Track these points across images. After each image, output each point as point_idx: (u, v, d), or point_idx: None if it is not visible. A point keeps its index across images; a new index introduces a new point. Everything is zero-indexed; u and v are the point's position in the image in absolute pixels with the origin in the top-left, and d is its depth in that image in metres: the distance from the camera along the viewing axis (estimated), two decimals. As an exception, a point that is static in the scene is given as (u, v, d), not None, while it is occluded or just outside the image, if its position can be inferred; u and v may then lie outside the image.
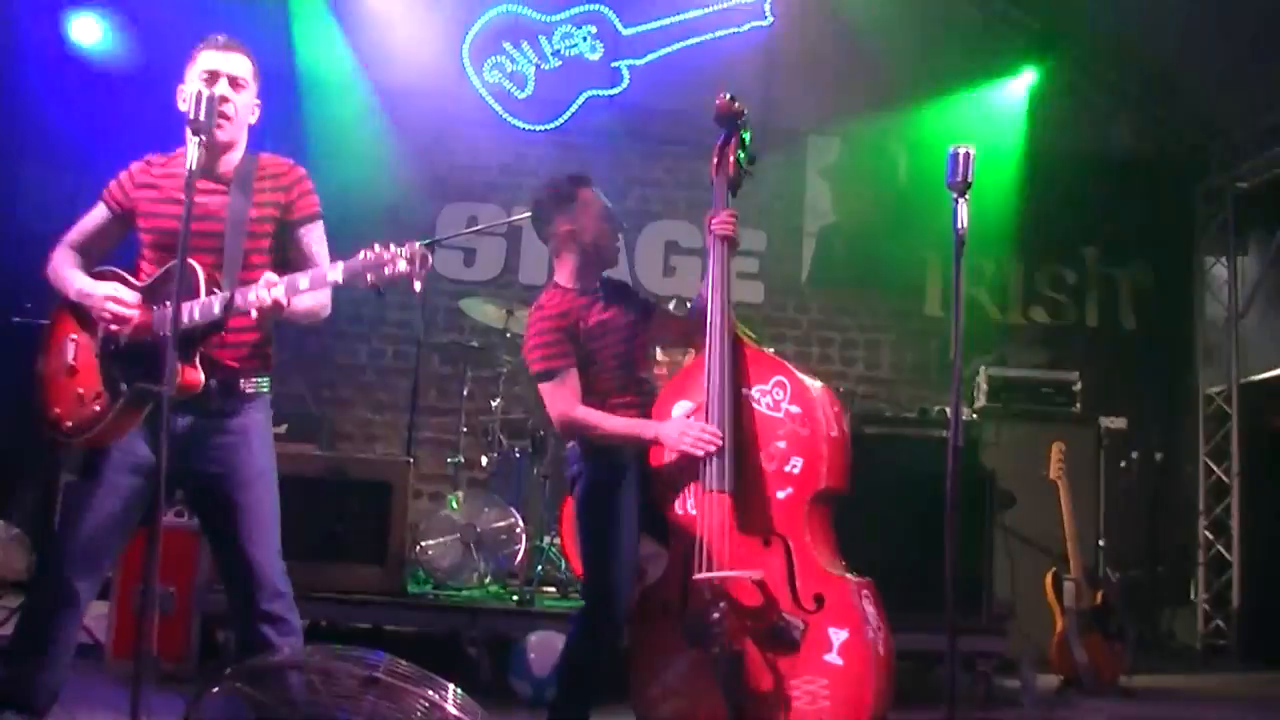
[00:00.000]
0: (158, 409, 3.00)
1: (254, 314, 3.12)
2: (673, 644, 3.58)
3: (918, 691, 5.20)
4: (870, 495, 5.50)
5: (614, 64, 8.44)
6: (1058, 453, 6.09)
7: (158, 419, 2.98)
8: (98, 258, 3.41)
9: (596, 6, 8.49)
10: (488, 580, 5.57)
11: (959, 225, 3.20)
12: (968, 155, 3.20)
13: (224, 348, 3.24)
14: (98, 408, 3.21)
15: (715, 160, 3.98)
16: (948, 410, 4.98)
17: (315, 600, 5.09)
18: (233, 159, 3.36)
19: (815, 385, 3.58)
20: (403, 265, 2.98)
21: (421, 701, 2.24)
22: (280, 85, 7.89)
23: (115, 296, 3.20)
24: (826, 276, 8.52)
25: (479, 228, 7.77)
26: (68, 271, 3.34)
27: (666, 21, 8.46)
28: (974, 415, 6.94)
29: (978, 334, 8.35)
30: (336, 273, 3.08)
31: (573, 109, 8.40)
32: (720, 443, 3.53)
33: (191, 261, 3.11)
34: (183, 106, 3.25)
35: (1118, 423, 7.31)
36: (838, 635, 3.19)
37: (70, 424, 3.25)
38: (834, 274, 8.53)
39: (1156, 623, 7.98)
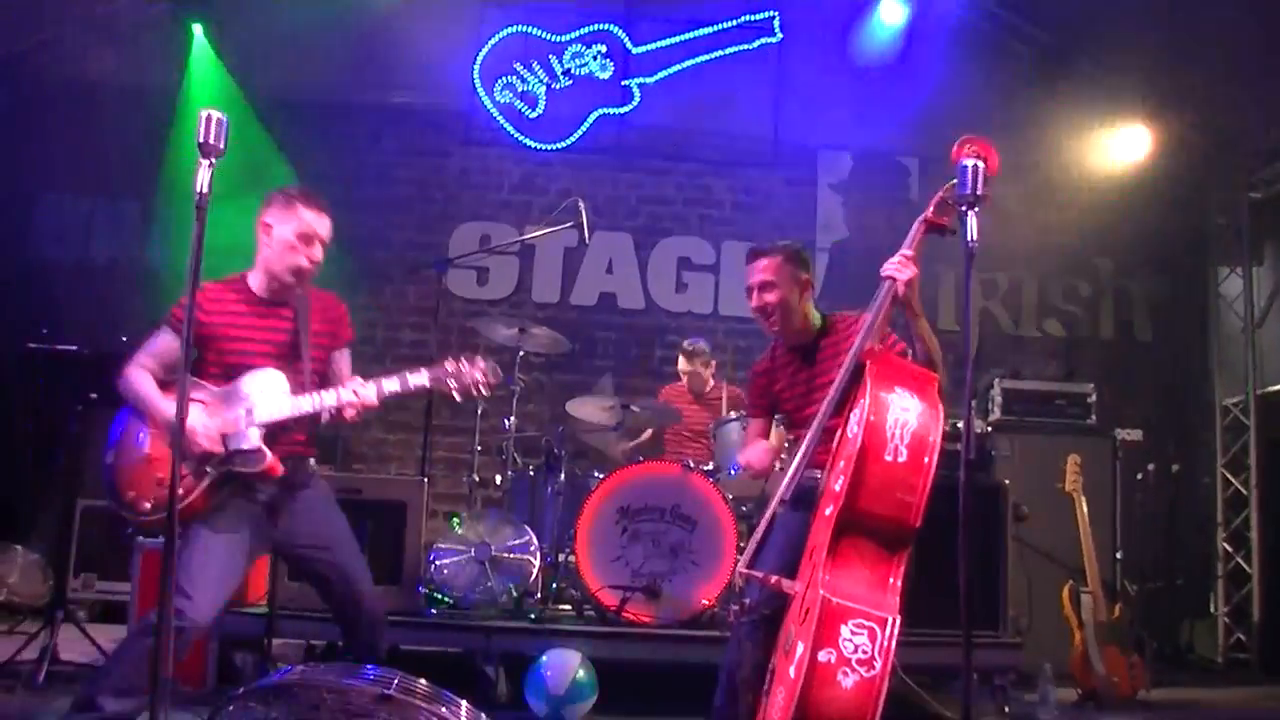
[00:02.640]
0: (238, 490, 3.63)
1: (350, 412, 3.63)
2: None
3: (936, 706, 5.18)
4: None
5: (624, 82, 8.48)
6: (1073, 465, 6.06)
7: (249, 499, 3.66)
8: (161, 375, 3.73)
9: (606, 25, 8.54)
10: (503, 599, 5.56)
11: (969, 238, 3.20)
12: (977, 168, 3.21)
13: (294, 441, 3.77)
14: (180, 490, 3.44)
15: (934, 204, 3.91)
16: (961, 424, 4.98)
17: (331, 620, 5.10)
18: (294, 291, 3.83)
19: (893, 413, 3.41)
20: (479, 375, 3.59)
21: (434, 718, 2.24)
22: (292, 110, 7.98)
23: (201, 432, 3.57)
24: (839, 291, 8.50)
25: (492, 247, 7.80)
26: (151, 394, 3.68)
27: (676, 39, 8.51)
28: (989, 428, 6.92)
29: (992, 347, 8.35)
30: (422, 378, 3.63)
31: (584, 127, 8.44)
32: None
33: (275, 370, 3.69)
34: (264, 237, 3.76)
35: (1134, 435, 7.28)
36: (800, 649, 3.16)
37: (150, 504, 3.62)
38: (847, 289, 8.51)
39: (1176, 635, 7.93)
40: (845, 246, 8.58)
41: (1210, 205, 8.77)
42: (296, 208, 3.76)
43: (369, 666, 2.32)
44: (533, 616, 5.47)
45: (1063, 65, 8.43)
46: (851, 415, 3.49)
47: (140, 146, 7.84)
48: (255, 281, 3.81)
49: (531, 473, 6.32)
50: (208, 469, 3.60)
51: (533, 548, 5.63)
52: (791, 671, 3.17)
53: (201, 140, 3.10)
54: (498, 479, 6.37)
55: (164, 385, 3.70)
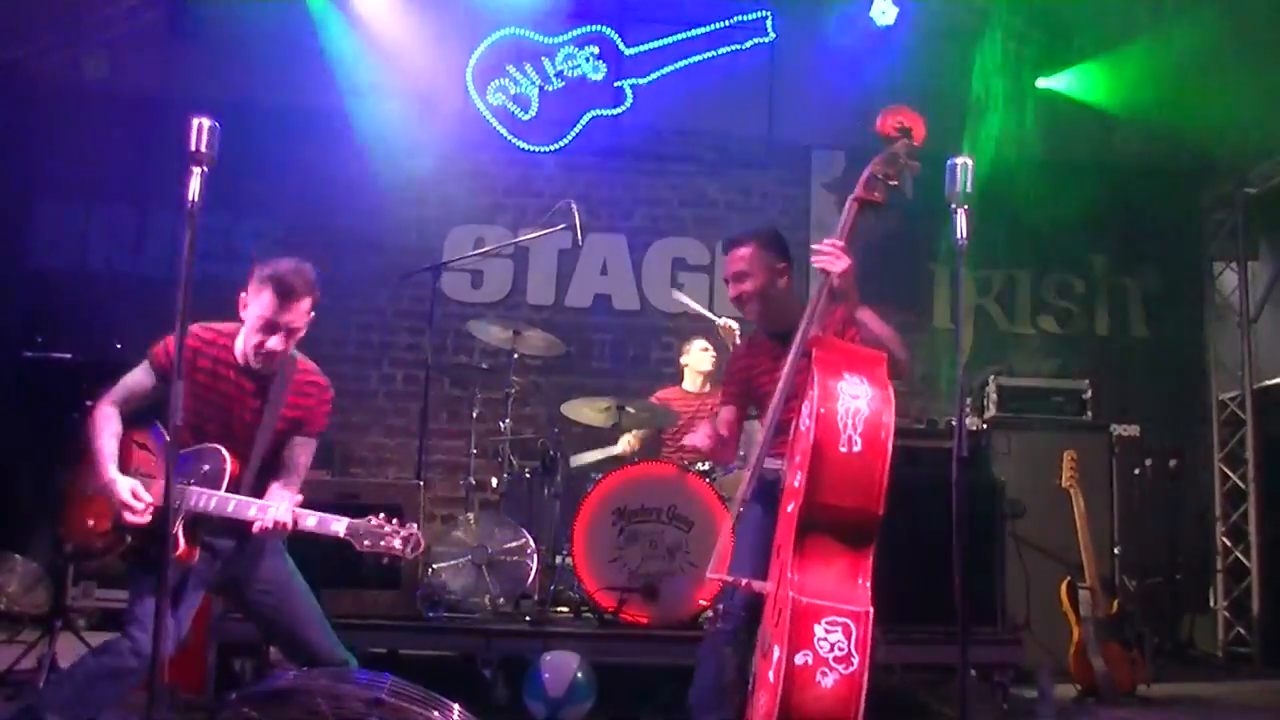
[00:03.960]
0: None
1: (258, 528, 3.42)
2: None
3: (934, 703, 5.19)
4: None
5: (617, 84, 8.48)
6: (1070, 461, 6.07)
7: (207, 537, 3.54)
8: (136, 409, 3.67)
9: (599, 27, 8.53)
10: (501, 601, 5.56)
11: (958, 235, 3.21)
12: (965, 165, 3.22)
13: (232, 524, 3.54)
14: (99, 544, 3.56)
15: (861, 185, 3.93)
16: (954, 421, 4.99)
17: (331, 626, 5.11)
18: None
19: (843, 402, 3.33)
20: (396, 543, 3.41)
21: (427, 722, 2.24)
22: (288, 115, 7.98)
23: (131, 505, 3.44)
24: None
25: (486, 249, 7.79)
26: (102, 448, 3.57)
27: (669, 40, 8.50)
28: (984, 425, 6.93)
29: (986, 344, 8.35)
30: (340, 526, 3.43)
31: (577, 129, 8.43)
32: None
33: (223, 450, 3.54)
34: (242, 310, 3.63)
35: (1130, 430, 7.29)
36: (776, 654, 3.12)
37: (72, 545, 3.67)
38: (841, 288, 8.50)
39: (1176, 630, 7.93)
40: (839, 245, 8.57)
41: (1205, 200, 8.78)
42: (264, 291, 3.59)
43: (362, 671, 2.32)
44: (530, 619, 5.47)
45: (1057, 61, 8.43)
46: (803, 408, 3.42)
47: (135, 154, 7.84)
48: (238, 346, 3.66)
49: (528, 475, 6.32)
50: (128, 538, 3.51)
51: (530, 550, 5.64)
52: (770, 675, 3.14)
53: (193, 148, 3.10)
54: (494, 482, 6.38)
55: (133, 418, 3.65)
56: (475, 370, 6.92)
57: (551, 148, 8.44)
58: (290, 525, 3.40)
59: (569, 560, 5.61)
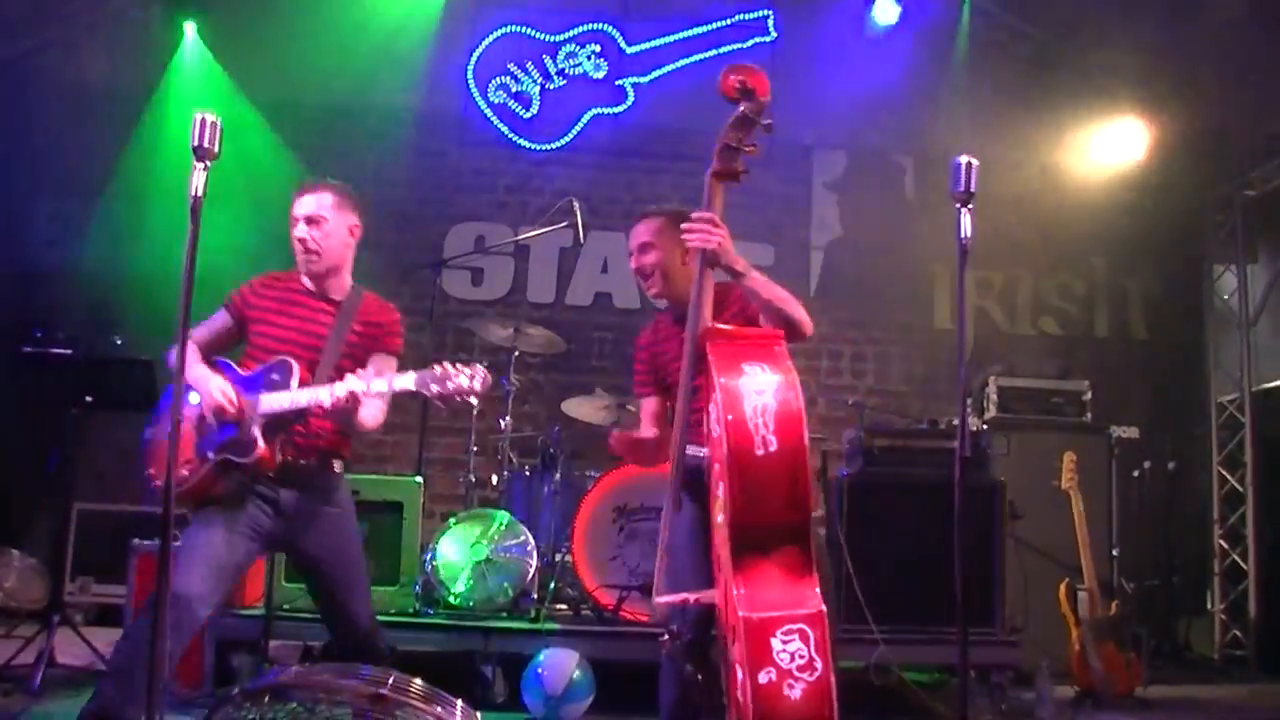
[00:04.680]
0: (249, 487, 3.63)
1: (328, 405, 3.51)
2: None
3: (932, 703, 5.18)
4: (881, 507, 5.56)
5: (618, 82, 8.48)
6: (1069, 463, 6.07)
7: (259, 491, 3.64)
8: (214, 354, 3.85)
9: (600, 25, 8.54)
10: (500, 599, 5.56)
11: (963, 235, 3.20)
12: (971, 165, 3.20)
13: (311, 435, 3.72)
14: (185, 472, 3.60)
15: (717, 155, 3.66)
16: (957, 421, 4.99)
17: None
18: (341, 284, 3.89)
19: (749, 401, 3.16)
20: (464, 381, 3.41)
21: (428, 718, 2.24)
22: (287, 110, 7.98)
23: (224, 389, 3.61)
24: (835, 290, 8.52)
25: (487, 247, 7.79)
26: (189, 358, 3.60)
27: (670, 39, 8.50)
28: (984, 426, 6.93)
29: (987, 345, 8.35)
30: (408, 380, 3.48)
31: (578, 128, 8.43)
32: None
33: (292, 360, 3.66)
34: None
35: (1129, 432, 7.28)
36: (738, 672, 3.02)
37: (159, 483, 3.61)
38: (842, 288, 8.52)
39: (1173, 633, 7.93)
40: (840, 245, 8.58)
41: (1205, 202, 8.77)
42: (294, 198, 3.87)
43: (363, 666, 2.32)
44: (530, 616, 5.47)
45: (1058, 62, 8.44)
46: (710, 409, 3.26)
47: (133, 150, 7.84)
48: (304, 277, 3.88)
49: (528, 473, 6.32)
50: (210, 454, 3.61)
51: (530, 547, 5.63)
52: (739, 696, 3.05)
53: (195, 143, 3.09)
54: (494, 479, 6.38)
55: (209, 364, 3.79)
56: (475, 368, 6.91)
57: (553, 146, 8.44)
58: (361, 394, 3.49)
59: (568, 558, 5.62)
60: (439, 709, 2.21)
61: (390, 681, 2.22)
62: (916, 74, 8.25)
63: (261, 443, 3.56)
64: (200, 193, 3.07)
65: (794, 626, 3.04)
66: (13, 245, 8.23)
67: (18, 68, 8.08)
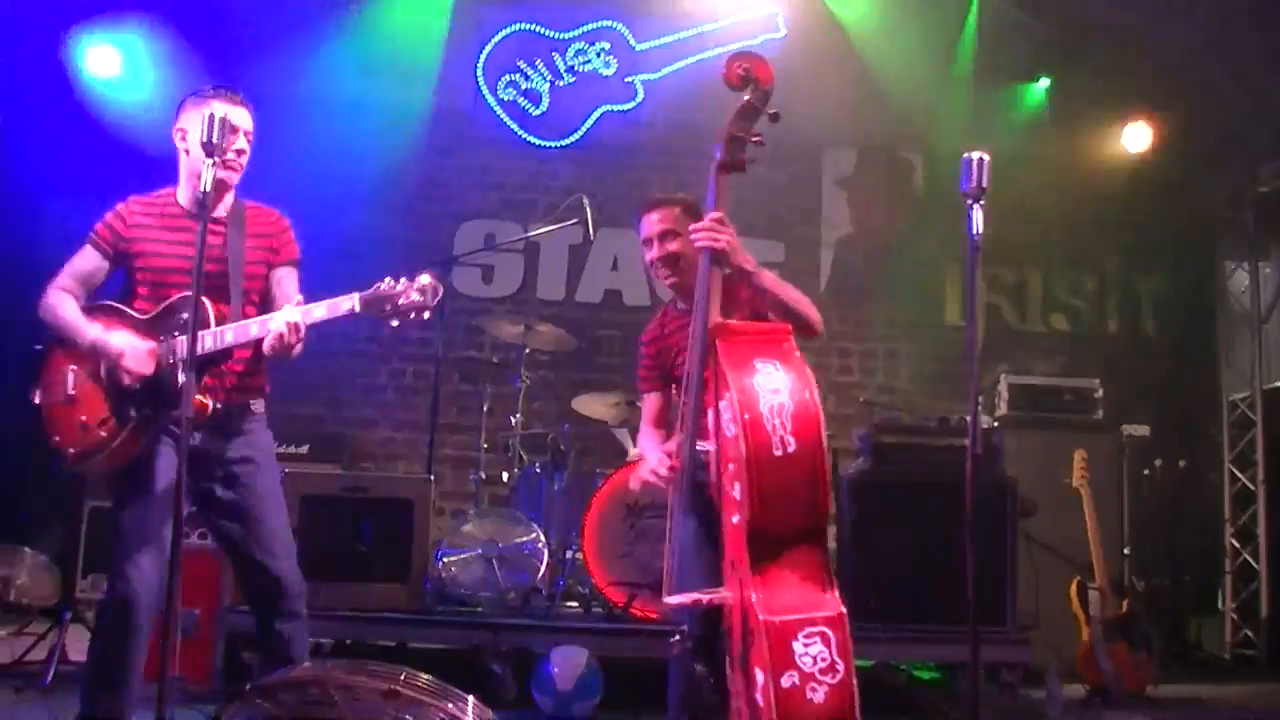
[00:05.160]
0: (165, 430, 3.26)
1: (270, 342, 3.22)
2: None
3: (939, 702, 5.18)
4: (891, 505, 5.55)
5: (628, 79, 8.48)
6: (1080, 460, 6.05)
7: (178, 440, 3.15)
8: (87, 297, 3.58)
9: (609, 23, 8.53)
10: (510, 596, 5.57)
11: (974, 231, 3.19)
12: (982, 161, 3.19)
13: (228, 374, 3.45)
14: (104, 434, 3.36)
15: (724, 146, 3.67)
16: (968, 418, 4.98)
17: (338, 618, 5.12)
18: (226, 201, 3.57)
19: (765, 400, 3.15)
20: (415, 296, 3.17)
21: (440, 714, 2.24)
22: (296, 108, 7.98)
23: (130, 353, 3.34)
24: (845, 287, 8.50)
25: (497, 245, 7.79)
26: (73, 318, 3.48)
27: (679, 36, 8.49)
28: (995, 423, 6.91)
29: (997, 342, 8.33)
30: (353, 301, 3.25)
31: (588, 125, 8.43)
32: (669, 472, 3.49)
33: (201, 297, 3.26)
34: (181, 144, 3.50)
35: (1140, 430, 7.26)
36: (758, 676, 3.01)
37: (74, 451, 3.43)
38: (852, 284, 8.51)
39: (1184, 632, 7.90)
40: (849, 242, 8.56)
41: (1217, 200, 8.74)
42: (209, 102, 3.44)
43: (374, 663, 2.32)
44: (539, 613, 5.48)
45: (1067, 59, 8.41)
46: (722, 407, 3.23)
47: (147, 150, 7.85)
48: (182, 195, 3.56)
49: (538, 470, 6.32)
50: (132, 411, 3.34)
51: (540, 545, 5.63)
52: (759, 699, 3.02)
53: (204, 140, 3.10)
54: (504, 476, 6.38)
55: (88, 311, 3.52)
56: (485, 365, 6.92)
57: (562, 143, 8.44)
58: (302, 323, 3.24)
59: (579, 555, 5.62)
60: (451, 705, 2.21)
61: (402, 677, 2.22)
62: (926, 70, 8.23)
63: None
64: (209, 188, 3.08)
65: (815, 629, 3.03)
66: (28, 245, 8.25)
67: (29, 66, 8.09)
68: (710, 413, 3.30)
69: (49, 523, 7.01)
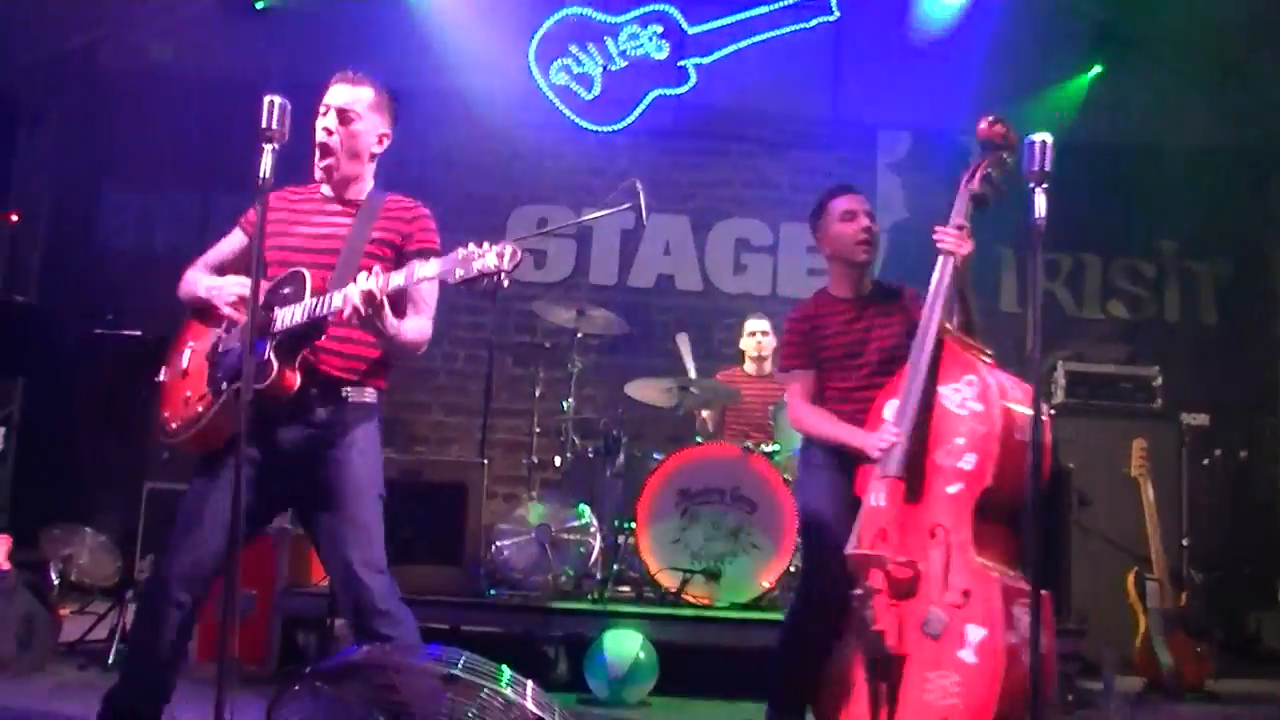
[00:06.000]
0: (258, 419, 3.09)
1: (347, 312, 3.11)
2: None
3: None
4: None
5: (680, 63, 8.43)
6: (1139, 450, 5.97)
7: (262, 428, 3.16)
8: (225, 274, 3.52)
9: (662, 6, 8.48)
10: (563, 580, 5.58)
11: (1036, 216, 3.15)
12: (1045, 144, 3.15)
13: (330, 354, 3.32)
14: (200, 407, 3.33)
15: (966, 175, 4.04)
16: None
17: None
18: (361, 189, 3.52)
19: (1008, 387, 3.58)
20: (491, 260, 3.00)
21: (500, 698, 2.24)
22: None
23: (238, 284, 3.33)
24: (899, 273, 8.38)
25: (549, 229, 7.79)
26: (198, 275, 3.49)
27: (732, 19, 8.42)
28: (1052, 411, 6.82)
29: (1054, 329, 8.23)
30: (430, 268, 3.11)
31: (640, 109, 8.40)
32: (893, 439, 3.64)
33: (302, 269, 3.27)
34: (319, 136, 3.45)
35: (1200, 419, 7.13)
36: (975, 633, 3.19)
37: (175, 425, 3.40)
38: (906, 270, 8.39)
39: (1243, 625, 7.78)
40: (904, 227, 8.47)
41: (1276, 183, 8.57)
42: (330, 82, 3.54)
43: (434, 646, 2.33)
44: (592, 598, 5.48)
45: (1125, 42, 8.27)
46: (951, 389, 3.57)
47: (201, 137, 7.93)
48: (324, 185, 3.52)
49: (590, 455, 6.32)
50: (223, 384, 3.27)
51: (593, 529, 5.64)
52: (971, 656, 3.19)
53: (264, 125, 3.10)
54: (557, 461, 6.38)
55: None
56: (538, 349, 6.92)
57: (614, 127, 8.41)
58: (379, 291, 3.09)
59: (632, 540, 5.61)
60: (510, 690, 2.21)
61: (462, 663, 2.22)
62: (982, 54, 8.12)
63: (276, 363, 3.17)
64: (267, 174, 3.08)
65: (1024, 600, 3.25)
66: (85, 231, 8.38)
67: (88, 57, 8.19)
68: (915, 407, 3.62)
69: (109, 504, 7.11)
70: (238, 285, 3.34)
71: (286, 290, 3.24)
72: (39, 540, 6.35)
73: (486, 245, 3.03)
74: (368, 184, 3.55)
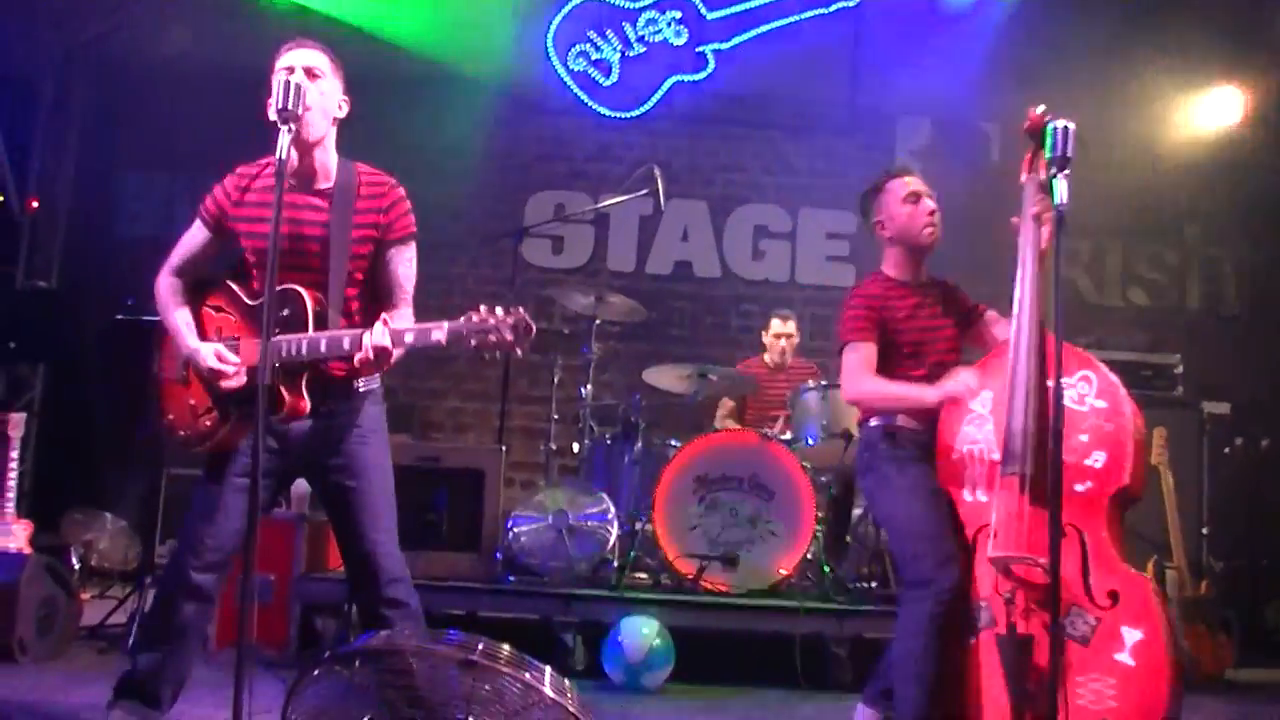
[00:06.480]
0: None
1: (360, 359, 3.14)
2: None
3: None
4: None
5: (699, 49, 8.40)
6: (1159, 438, 5.93)
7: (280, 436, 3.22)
8: (201, 272, 3.50)
9: (680, -8, 8.46)
10: (580, 567, 5.58)
11: (1058, 201, 3.13)
12: (1067, 130, 3.13)
13: (336, 366, 3.33)
14: (208, 424, 3.35)
15: (1026, 165, 3.90)
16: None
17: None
18: (327, 164, 3.39)
19: (1119, 383, 3.49)
20: (507, 335, 3.04)
21: (517, 684, 2.24)
22: (367, 81, 8.01)
23: (219, 369, 3.26)
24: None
25: (567, 216, 7.78)
26: (175, 325, 3.40)
27: (751, 4, 8.39)
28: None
29: (1074, 316, 8.17)
30: (441, 333, 3.12)
31: (658, 95, 8.38)
32: (974, 385, 3.61)
33: (299, 289, 3.22)
34: (271, 114, 3.23)
35: (1221, 408, 7.09)
36: (1131, 635, 3.14)
37: (183, 433, 3.41)
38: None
39: (1262, 615, 7.74)
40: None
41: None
42: (282, 55, 3.36)
43: (451, 632, 2.33)
44: (610, 584, 5.49)
45: (1149, 26, 8.20)
46: (1069, 385, 3.43)
47: (218, 124, 7.94)
48: (282, 143, 3.18)
49: (608, 441, 6.32)
50: (232, 411, 3.28)
51: (610, 516, 5.63)
52: (1128, 659, 3.16)
53: (280, 107, 3.08)
54: (575, 447, 6.38)
55: (201, 286, 3.46)
56: (556, 336, 6.92)
57: (633, 114, 8.40)
58: (391, 347, 3.13)
59: (649, 527, 5.61)
60: (528, 675, 2.21)
61: (480, 648, 2.22)
62: (1003, 39, 8.07)
63: (288, 396, 3.20)
64: (285, 155, 3.05)
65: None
66: (105, 218, 8.41)
67: (106, 45, 8.21)
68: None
69: (129, 489, 7.16)
70: (216, 373, 3.26)
71: (285, 312, 3.21)
72: (60, 525, 6.42)
73: (499, 316, 3.06)
74: (332, 152, 3.42)
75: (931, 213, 3.95)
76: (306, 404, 3.26)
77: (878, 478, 3.81)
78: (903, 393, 3.74)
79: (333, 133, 3.42)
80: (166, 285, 3.47)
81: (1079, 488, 3.33)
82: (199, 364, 3.29)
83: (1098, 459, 3.35)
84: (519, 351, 3.08)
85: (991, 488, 3.50)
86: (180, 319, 3.40)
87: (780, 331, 6.86)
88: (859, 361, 3.79)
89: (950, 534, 3.58)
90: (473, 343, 3.05)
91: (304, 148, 3.30)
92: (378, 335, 3.12)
